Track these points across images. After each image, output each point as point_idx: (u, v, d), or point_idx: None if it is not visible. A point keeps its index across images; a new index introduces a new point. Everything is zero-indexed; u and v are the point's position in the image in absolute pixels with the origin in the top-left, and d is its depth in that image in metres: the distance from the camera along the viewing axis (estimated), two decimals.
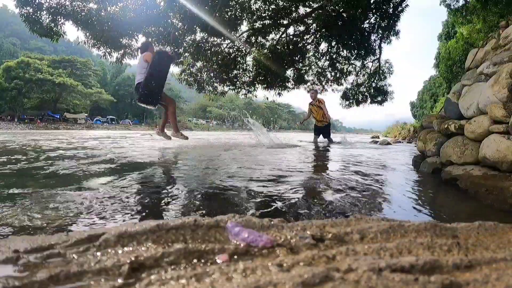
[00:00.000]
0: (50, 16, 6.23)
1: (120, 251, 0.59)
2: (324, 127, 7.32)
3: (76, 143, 5.75)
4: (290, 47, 9.36)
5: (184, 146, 5.22)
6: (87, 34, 6.70)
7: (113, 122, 44.61)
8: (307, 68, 10.64)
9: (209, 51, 8.56)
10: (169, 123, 4.70)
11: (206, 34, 8.05)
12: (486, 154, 1.99)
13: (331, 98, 11.37)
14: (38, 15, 6.14)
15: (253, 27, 9.19)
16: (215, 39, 8.53)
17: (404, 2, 8.45)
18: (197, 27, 7.26)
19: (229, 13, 7.20)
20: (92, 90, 42.75)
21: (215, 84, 10.23)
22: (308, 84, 10.84)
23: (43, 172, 2.24)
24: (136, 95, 4.26)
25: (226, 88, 10.52)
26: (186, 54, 8.53)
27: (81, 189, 1.66)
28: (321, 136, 7.77)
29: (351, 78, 10.66)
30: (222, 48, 9.19)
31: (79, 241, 0.64)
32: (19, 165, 2.58)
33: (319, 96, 7.54)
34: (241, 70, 10.06)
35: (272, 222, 0.74)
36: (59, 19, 6.32)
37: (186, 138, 4.75)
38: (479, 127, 2.14)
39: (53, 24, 6.34)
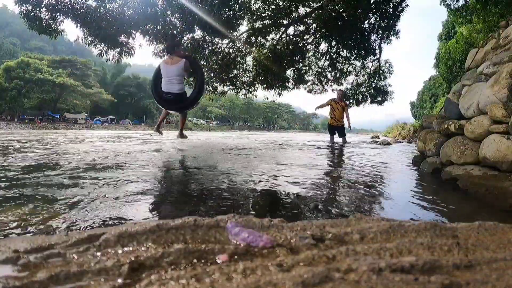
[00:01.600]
0: (49, 13, 6.24)
1: (120, 251, 0.59)
2: (340, 127, 7.63)
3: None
4: (290, 47, 9.35)
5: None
6: (85, 31, 6.69)
7: (113, 122, 44.65)
8: (307, 68, 10.63)
9: (206, 50, 8.54)
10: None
11: (205, 33, 8.04)
12: (486, 154, 1.99)
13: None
14: (37, 12, 6.15)
15: (253, 27, 9.18)
16: (214, 38, 8.52)
17: (404, 2, 8.45)
18: (196, 26, 7.26)
19: (227, 13, 7.19)
20: (92, 90, 42.71)
21: (215, 84, 10.22)
22: (308, 84, 10.83)
23: None
24: (182, 102, 4.11)
25: (226, 88, 10.51)
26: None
27: None
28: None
29: (351, 78, 10.66)
30: (222, 48, 9.17)
31: (79, 241, 0.64)
32: None
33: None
34: (241, 70, 10.05)
35: (272, 222, 0.74)
36: (58, 16, 6.33)
37: (186, 137, 5.16)
38: (479, 127, 2.14)
39: (52, 21, 6.34)
